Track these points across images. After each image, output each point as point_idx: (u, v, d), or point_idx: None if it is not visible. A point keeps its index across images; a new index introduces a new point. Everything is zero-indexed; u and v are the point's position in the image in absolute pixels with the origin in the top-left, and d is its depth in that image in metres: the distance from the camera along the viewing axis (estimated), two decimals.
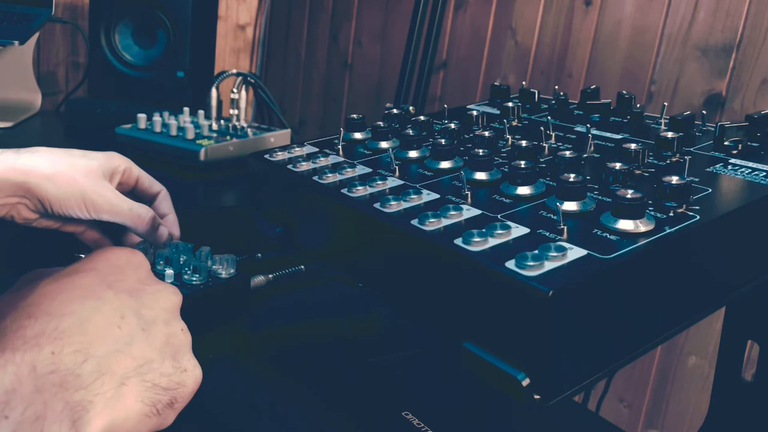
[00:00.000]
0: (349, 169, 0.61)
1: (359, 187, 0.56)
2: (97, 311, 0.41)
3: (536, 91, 0.78)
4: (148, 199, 0.73)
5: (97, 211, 0.66)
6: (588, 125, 0.66)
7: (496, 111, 0.77)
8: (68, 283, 0.42)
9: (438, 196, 0.54)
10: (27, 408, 0.34)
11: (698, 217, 0.47)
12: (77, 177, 0.65)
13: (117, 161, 0.70)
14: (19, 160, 0.63)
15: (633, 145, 0.56)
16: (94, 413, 0.37)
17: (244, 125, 1.28)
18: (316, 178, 0.60)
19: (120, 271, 0.46)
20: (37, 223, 0.67)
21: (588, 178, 0.51)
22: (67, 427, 0.36)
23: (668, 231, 0.45)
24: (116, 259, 0.46)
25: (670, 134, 0.59)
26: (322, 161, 0.64)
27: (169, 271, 0.65)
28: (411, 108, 0.77)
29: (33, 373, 0.36)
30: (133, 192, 0.73)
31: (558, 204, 0.48)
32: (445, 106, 0.78)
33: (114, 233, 0.73)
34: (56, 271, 0.44)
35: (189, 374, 0.44)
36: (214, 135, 1.23)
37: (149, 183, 0.73)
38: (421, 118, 0.71)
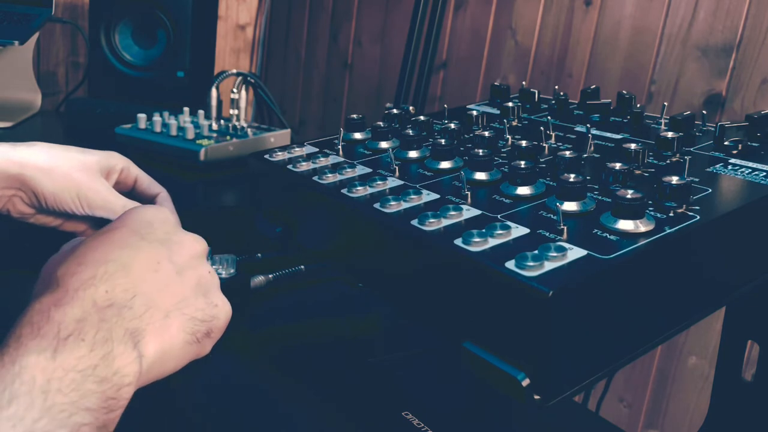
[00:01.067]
0: (349, 169, 0.61)
1: (359, 187, 0.56)
2: (135, 258, 0.46)
3: (536, 91, 0.78)
4: (147, 201, 0.73)
5: (90, 207, 0.66)
6: (588, 125, 0.66)
7: (496, 111, 0.77)
8: (107, 237, 0.47)
9: (438, 196, 0.54)
10: (97, 332, 0.40)
11: (698, 217, 0.47)
12: (73, 172, 0.65)
13: (115, 160, 0.70)
14: (16, 153, 0.64)
15: (633, 145, 0.56)
16: (149, 338, 0.43)
17: (244, 125, 1.28)
18: (316, 178, 0.60)
19: (149, 224, 0.50)
20: (34, 219, 0.67)
21: (588, 178, 0.51)
22: (131, 347, 0.42)
23: (668, 231, 0.45)
24: (144, 216, 0.51)
25: (670, 134, 0.59)
26: (322, 161, 0.64)
27: None
28: (411, 108, 0.77)
29: (95, 306, 0.42)
30: (132, 193, 0.73)
31: (558, 204, 0.48)
32: (445, 106, 0.78)
33: None
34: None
35: (220, 308, 0.49)
36: (214, 135, 1.23)
37: (148, 184, 0.73)
38: (421, 118, 0.71)
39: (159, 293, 0.46)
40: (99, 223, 0.71)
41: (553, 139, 0.66)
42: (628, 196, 0.45)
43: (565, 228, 0.46)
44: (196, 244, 0.52)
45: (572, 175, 0.49)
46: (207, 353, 0.49)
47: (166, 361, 0.45)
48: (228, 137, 1.22)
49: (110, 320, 0.42)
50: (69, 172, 0.65)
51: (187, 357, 0.47)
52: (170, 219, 0.53)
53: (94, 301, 0.42)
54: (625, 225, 0.45)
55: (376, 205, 0.53)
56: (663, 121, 0.68)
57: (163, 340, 0.44)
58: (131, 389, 0.41)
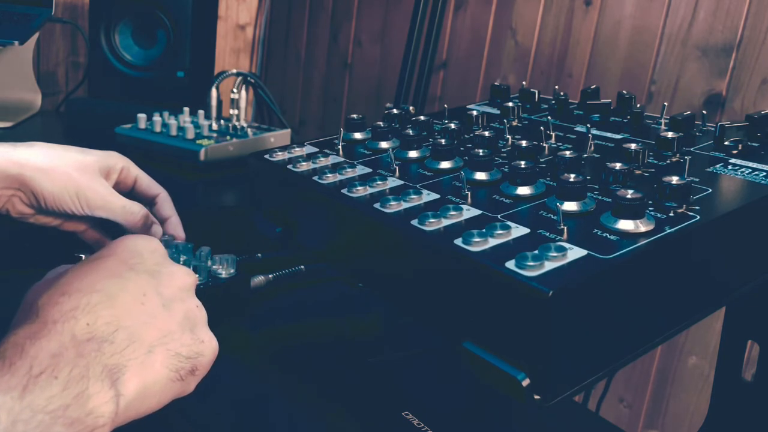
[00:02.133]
0: (349, 169, 0.61)
1: (359, 187, 0.56)
2: (122, 289, 0.45)
3: (536, 91, 0.78)
4: (147, 201, 0.73)
5: (90, 207, 0.66)
6: (588, 125, 0.66)
7: (496, 111, 0.77)
8: (94, 266, 0.46)
9: (438, 196, 0.54)
10: (72, 369, 0.39)
11: (698, 217, 0.47)
12: (72, 172, 0.65)
13: (114, 159, 0.70)
14: (15, 153, 0.64)
15: (633, 145, 0.56)
16: (129, 375, 0.42)
17: (244, 125, 1.28)
18: (316, 178, 0.60)
19: (138, 255, 0.49)
20: (34, 219, 0.67)
21: (588, 178, 0.51)
22: (108, 385, 0.40)
23: (668, 231, 0.45)
24: (134, 245, 0.50)
25: (670, 134, 0.59)
26: (322, 161, 0.64)
27: None
28: (411, 108, 0.77)
29: (74, 341, 0.40)
30: (132, 193, 0.73)
31: (558, 204, 0.48)
32: (445, 106, 0.77)
33: (115, 233, 0.73)
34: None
35: (207, 345, 0.48)
36: (214, 135, 1.23)
37: (148, 184, 0.73)
38: (421, 118, 0.71)
39: (143, 326, 0.44)
40: (99, 223, 0.71)
41: (553, 139, 0.66)
42: (628, 196, 0.45)
43: (565, 228, 0.46)
44: (186, 276, 0.50)
45: (572, 175, 0.49)
46: (190, 392, 0.47)
47: (146, 400, 0.43)
48: (228, 137, 1.22)
49: (88, 356, 0.40)
50: (68, 172, 0.65)
51: (168, 395, 0.45)
52: (160, 249, 0.51)
53: (73, 334, 0.40)
54: (625, 225, 0.45)
55: (376, 205, 0.53)
56: (663, 121, 0.68)
57: (145, 377, 0.42)
58: (105, 430, 0.39)
